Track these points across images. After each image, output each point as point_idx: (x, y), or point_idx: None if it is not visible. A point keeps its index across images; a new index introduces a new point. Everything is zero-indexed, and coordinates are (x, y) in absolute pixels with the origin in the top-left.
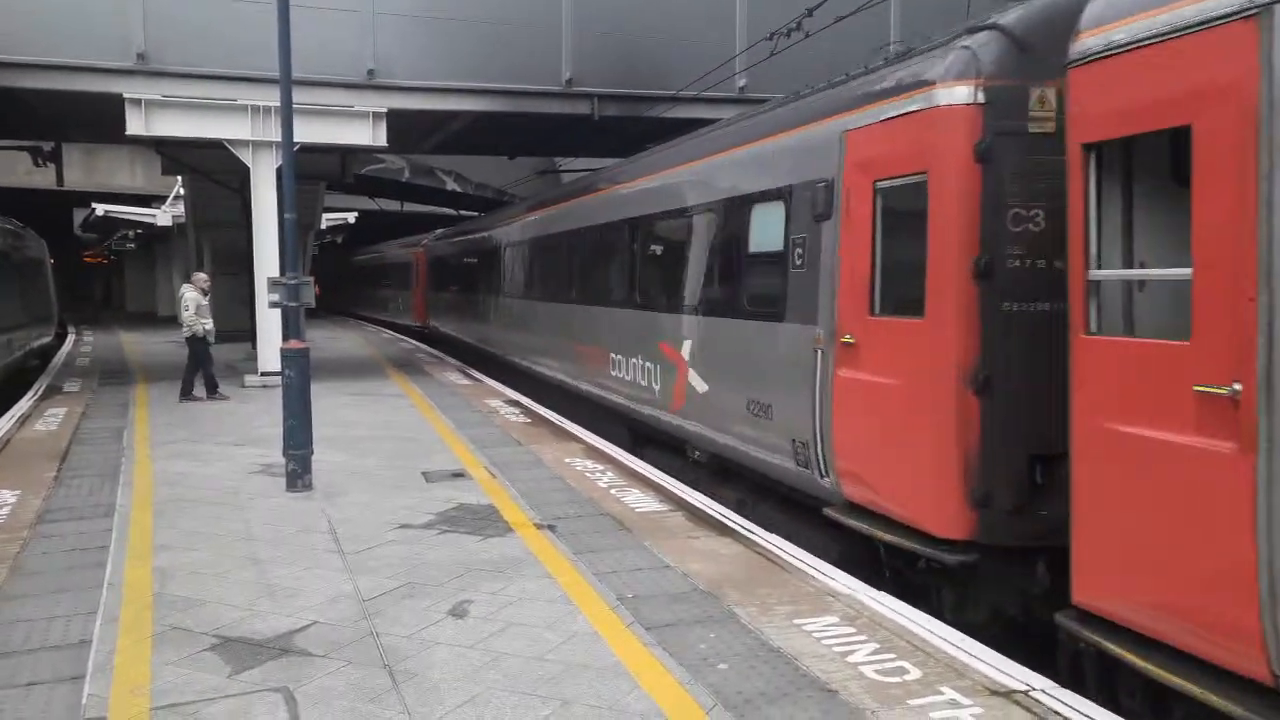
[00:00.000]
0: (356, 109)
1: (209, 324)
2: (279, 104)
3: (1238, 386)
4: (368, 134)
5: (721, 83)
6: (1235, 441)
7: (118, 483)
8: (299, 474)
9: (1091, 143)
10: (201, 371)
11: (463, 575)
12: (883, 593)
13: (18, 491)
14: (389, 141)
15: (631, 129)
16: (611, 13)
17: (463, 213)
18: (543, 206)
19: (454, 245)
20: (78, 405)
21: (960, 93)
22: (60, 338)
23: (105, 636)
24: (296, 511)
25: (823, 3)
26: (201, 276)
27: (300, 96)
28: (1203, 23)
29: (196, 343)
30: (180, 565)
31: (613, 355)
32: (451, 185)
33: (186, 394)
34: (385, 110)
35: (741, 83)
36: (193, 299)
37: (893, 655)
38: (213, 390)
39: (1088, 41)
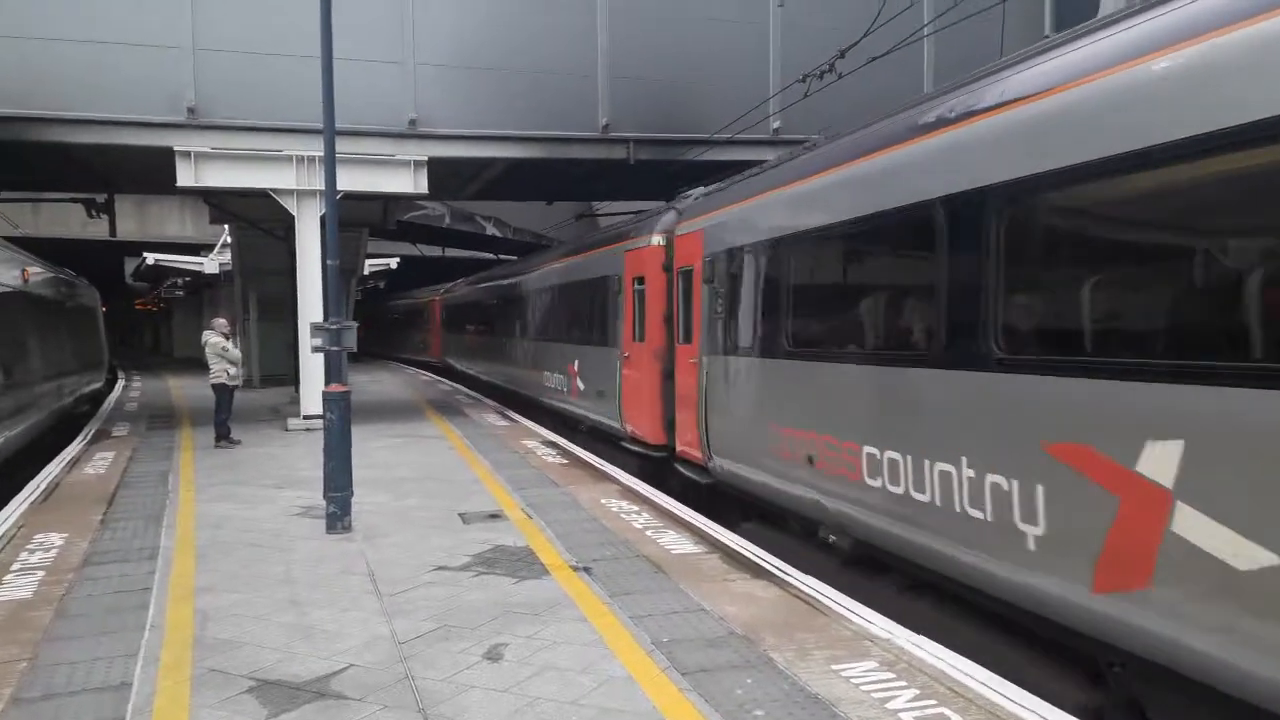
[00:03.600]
0: (398, 158)
1: (233, 369)
2: (323, 154)
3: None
4: (409, 182)
5: (755, 125)
6: None
7: (161, 525)
8: (339, 516)
9: None
10: (215, 417)
11: (498, 618)
12: (922, 637)
13: (65, 534)
14: (430, 188)
15: (667, 171)
16: (646, 59)
17: (502, 257)
18: None
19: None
20: (125, 449)
21: None
22: (110, 383)
23: (145, 678)
24: (335, 553)
25: (854, 44)
26: (221, 322)
27: (344, 146)
28: None
29: (220, 389)
30: (220, 607)
31: None
32: (491, 230)
33: (221, 438)
34: (426, 158)
35: (775, 124)
36: (217, 343)
37: (933, 701)
38: (221, 438)
39: None
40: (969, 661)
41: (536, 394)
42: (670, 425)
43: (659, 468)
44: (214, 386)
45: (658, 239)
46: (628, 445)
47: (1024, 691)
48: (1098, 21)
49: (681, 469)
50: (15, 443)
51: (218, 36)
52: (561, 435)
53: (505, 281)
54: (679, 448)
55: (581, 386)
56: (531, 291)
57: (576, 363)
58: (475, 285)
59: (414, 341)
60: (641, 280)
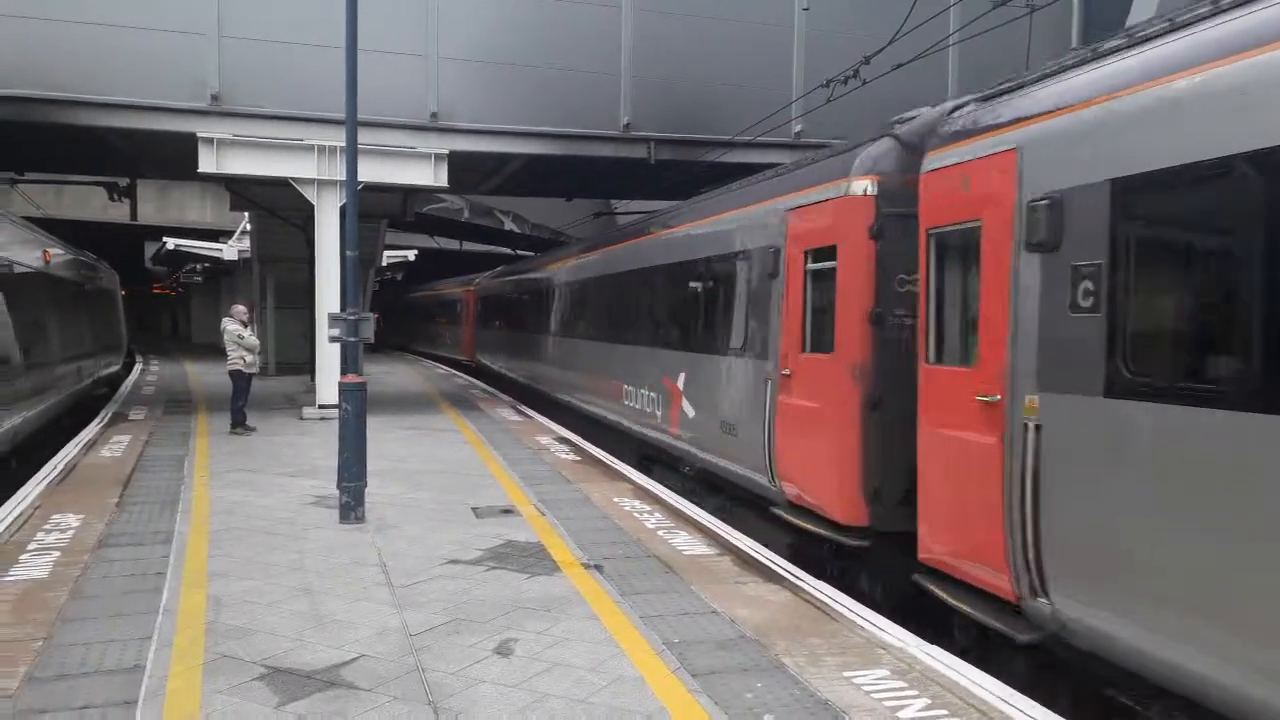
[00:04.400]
0: (419, 150)
1: (250, 357)
2: (344, 144)
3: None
4: (429, 174)
5: (777, 128)
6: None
7: (177, 510)
8: (352, 506)
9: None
10: (232, 403)
11: (509, 613)
12: (935, 646)
13: (82, 516)
14: (450, 182)
15: (687, 172)
16: (669, 59)
17: (520, 252)
18: None
19: None
20: (142, 433)
21: None
22: (128, 366)
23: (158, 662)
24: (348, 543)
25: (880, 50)
26: (240, 309)
27: (365, 137)
28: None
29: (237, 376)
30: (233, 594)
31: None
32: (509, 225)
33: (237, 424)
34: (447, 152)
35: (797, 128)
36: (235, 330)
37: (945, 711)
38: (237, 424)
39: None
40: (982, 672)
41: (612, 414)
42: (878, 497)
43: (837, 558)
44: (231, 373)
45: (862, 184)
46: (782, 513)
47: (1036, 704)
48: None
49: (943, 596)
50: (33, 423)
51: (242, 24)
52: (662, 482)
53: (569, 264)
54: (941, 556)
55: (691, 413)
56: (610, 277)
57: (682, 377)
58: (525, 273)
59: (441, 337)
60: (825, 253)
